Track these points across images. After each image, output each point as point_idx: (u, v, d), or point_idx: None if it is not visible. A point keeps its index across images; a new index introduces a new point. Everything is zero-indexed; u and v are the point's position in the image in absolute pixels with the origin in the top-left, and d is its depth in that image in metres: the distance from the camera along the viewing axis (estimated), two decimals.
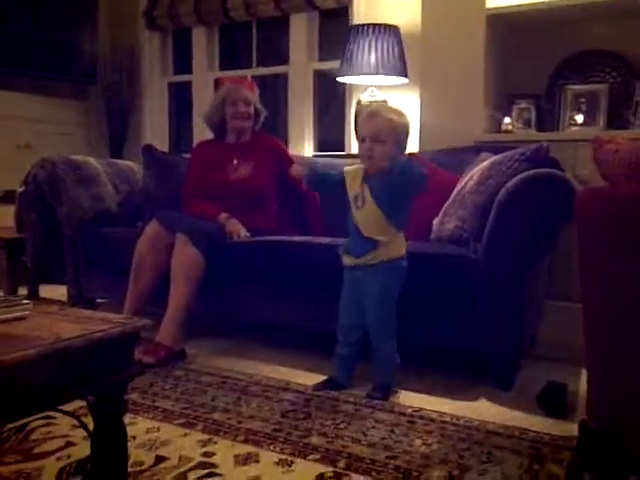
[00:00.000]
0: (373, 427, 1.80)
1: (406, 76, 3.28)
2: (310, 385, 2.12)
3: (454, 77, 3.10)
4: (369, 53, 3.17)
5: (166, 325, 2.42)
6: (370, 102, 3.29)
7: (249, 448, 1.65)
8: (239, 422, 1.82)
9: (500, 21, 3.04)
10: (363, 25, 3.25)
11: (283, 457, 1.60)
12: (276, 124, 4.20)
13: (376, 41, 3.17)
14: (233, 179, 2.83)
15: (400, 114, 2.03)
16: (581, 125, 3.03)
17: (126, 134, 4.70)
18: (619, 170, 1.33)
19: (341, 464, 1.56)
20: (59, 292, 3.23)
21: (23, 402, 1.12)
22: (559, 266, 2.51)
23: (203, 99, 4.36)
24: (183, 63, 4.72)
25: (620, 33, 2.98)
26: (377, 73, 3.18)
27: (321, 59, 4.13)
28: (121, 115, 4.66)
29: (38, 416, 1.72)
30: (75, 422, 1.33)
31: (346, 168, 2.10)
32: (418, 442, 1.69)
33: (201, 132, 3.99)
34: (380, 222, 1.99)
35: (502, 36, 3.14)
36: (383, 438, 1.72)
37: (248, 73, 4.35)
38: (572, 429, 1.66)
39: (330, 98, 4.20)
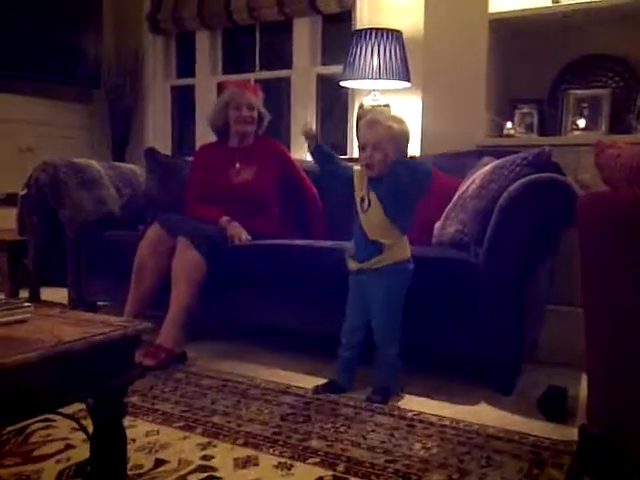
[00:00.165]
0: (373, 431, 1.79)
1: (409, 80, 3.28)
2: (310, 388, 2.12)
3: (456, 81, 3.10)
4: (372, 57, 3.17)
5: (167, 328, 2.42)
6: (373, 106, 3.30)
7: (248, 451, 1.64)
8: (239, 425, 1.82)
9: (502, 26, 3.04)
10: (366, 30, 3.25)
11: (282, 460, 1.59)
12: (279, 128, 4.20)
13: (379, 46, 3.18)
14: (235, 183, 2.84)
15: (400, 121, 2.03)
16: (583, 130, 3.02)
17: (129, 137, 4.70)
18: (621, 175, 1.33)
19: (340, 468, 1.56)
20: (60, 295, 3.23)
21: (24, 405, 1.12)
22: (560, 271, 2.51)
23: (206, 103, 4.36)
24: (186, 67, 4.72)
25: (623, 38, 2.98)
26: (380, 77, 3.18)
27: (324, 63, 4.14)
28: (124, 118, 4.67)
29: (38, 419, 1.73)
30: (75, 425, 1.34)
31: (355, 167, 2.10)
32: (418, 446, 1.69)
33: (204, 135, 3.99)
34: (385, 225, 2.00)
35: (504, 41, 3.14)
36: (383, 442, 1.72)
37: (251, 77, 4.36)
38: (572, 434, 1.65)
39: (333, 102, 4.21)
